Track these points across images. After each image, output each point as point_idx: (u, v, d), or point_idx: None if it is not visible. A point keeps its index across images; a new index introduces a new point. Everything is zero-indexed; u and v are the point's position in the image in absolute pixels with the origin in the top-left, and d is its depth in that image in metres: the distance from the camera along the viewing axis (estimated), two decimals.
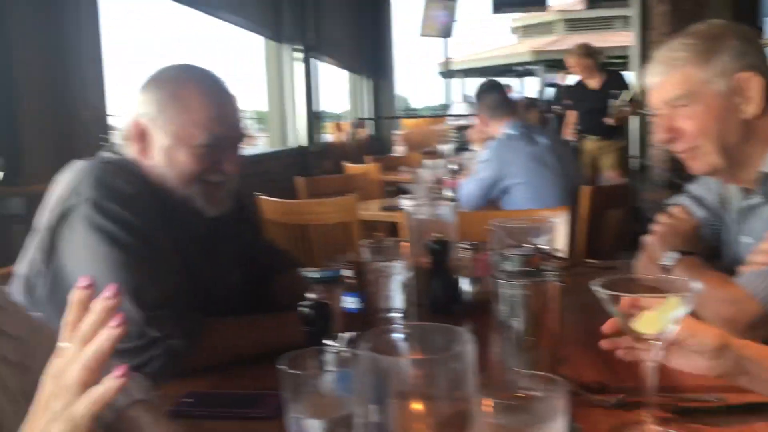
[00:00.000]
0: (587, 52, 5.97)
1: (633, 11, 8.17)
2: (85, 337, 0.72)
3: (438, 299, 1.62)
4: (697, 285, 0.95)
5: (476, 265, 1.64)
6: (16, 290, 1.39)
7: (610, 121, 5.83)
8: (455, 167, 4.50)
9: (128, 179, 1.39)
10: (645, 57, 7.48)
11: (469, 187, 3.29)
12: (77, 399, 0.70)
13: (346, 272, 1.12)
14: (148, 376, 1.15)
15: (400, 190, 5.38)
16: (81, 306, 0.74)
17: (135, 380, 1.08)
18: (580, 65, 6.01)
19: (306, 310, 1.14)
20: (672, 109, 1.45)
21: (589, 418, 1.03)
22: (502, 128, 3.30)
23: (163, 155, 1.42)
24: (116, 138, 1.52)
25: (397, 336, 0.77)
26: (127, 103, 1.49)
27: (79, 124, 3.00)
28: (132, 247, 1.32)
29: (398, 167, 6.24)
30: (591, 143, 6.11)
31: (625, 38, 10.54)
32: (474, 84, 22.11)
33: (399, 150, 10.98)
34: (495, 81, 3.76)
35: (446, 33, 12.55)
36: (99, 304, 0.73)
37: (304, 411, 0.82)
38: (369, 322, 1.15)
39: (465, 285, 1.64)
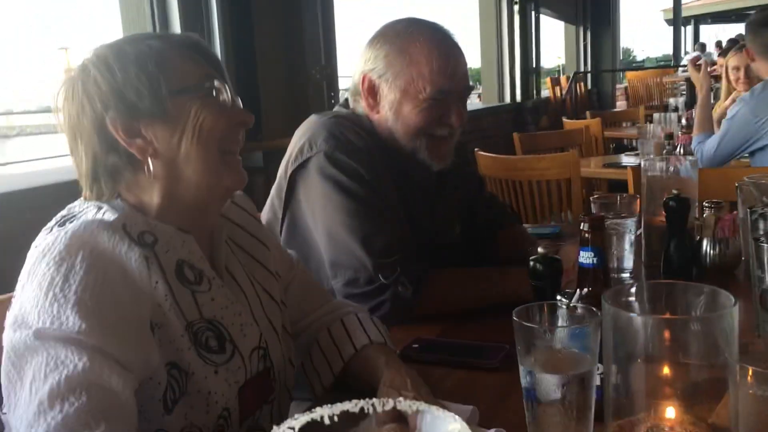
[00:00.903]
0: None
1: None
2: None
3: (673, 261, 1.50)
4: None
5: (720, 225, 1.49)
6: None
7: None
8: (687, 122, 4.14)
9: (358, 133, 1.43)
10: None
11: (710, 146, 2.94)
12: None
13: (584, 226, 1.06)
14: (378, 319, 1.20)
15: (621, 147, 5.08)
16: None
17: (371, 323, 1.14)
18: None
19: (535, 264, 1.11)
20: None
21: None
22: None
23: (391, 109, 1.44)
24: (348, 94, 1.57)
25: (645, 293, 0.72)
26: (356, 59, 1.53)
27: (311, 84, 3.20)
28: (361, 196, 1.37)
29: (620, 122, 5.89)
30: None
31: None
32: (708, 32, 20.09)
33: (620, 105, 10.37)
34: None
35: None
36: None
37: (537, 365, 0.80)
38: (605, 279, 1.09)
39: (706, 247, 1.50)
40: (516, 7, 6.83)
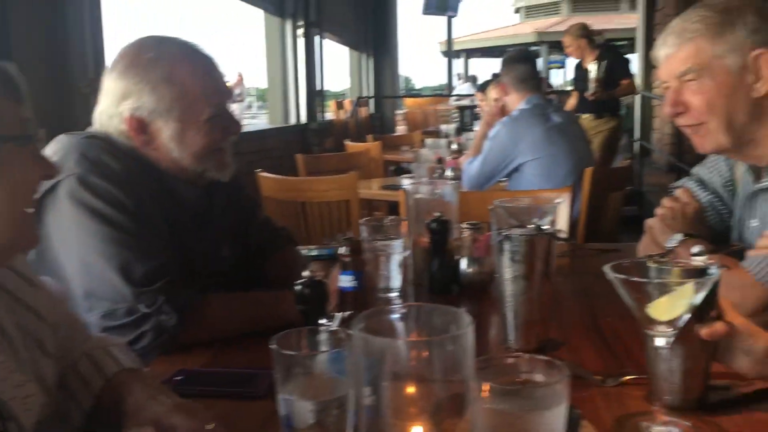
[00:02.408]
0: (580, 32, 5.93)
1: None
2: None
3: (436, 279, 1.59)
4: (714, 271, 0.91)
5: (476, 245, 1.61)
6: None
7: (588, 95, 5.84)
8: (457, 147, 4.47)
9: (114, 154, 1.35)
10: (649, 39, 7.42)
11: (474, 166, 3.19)
12: None
13: (343, 250, 1.08)
14: (139, 353, 1.12)
15: (401, 170, 5.35)
16: None
17: (125, 350, 1.06)
18: (574, 45, 5.96)
19: (301, 288, 1.11)
20: (680, 82, 1.41)
21: (590, 402, 1.01)
22: (521, 103, 3.18)
23: (173, 141, 1.39)
24: (97, 117, 1.46)
25: (393, 316, 0.74)
26: (105, 93, 1.41)
27: (79, 100, 2.96)
28: (119, 222, 1.29)
29: (400, 146, 6.20)
30: (583, 122, 6.10)
31: (631, 20, 10.45)
32: (477, 64, 21.98)
33: (400, 129, 10.93)
34: (528, 51, 3.59)
35: (450, 11, 12.42)
36: None
37: (295, 392, 0.79)
38: (366, 301, 1.12)
39: (464, 265, 1.61)
40: (300, 31, 6.93)
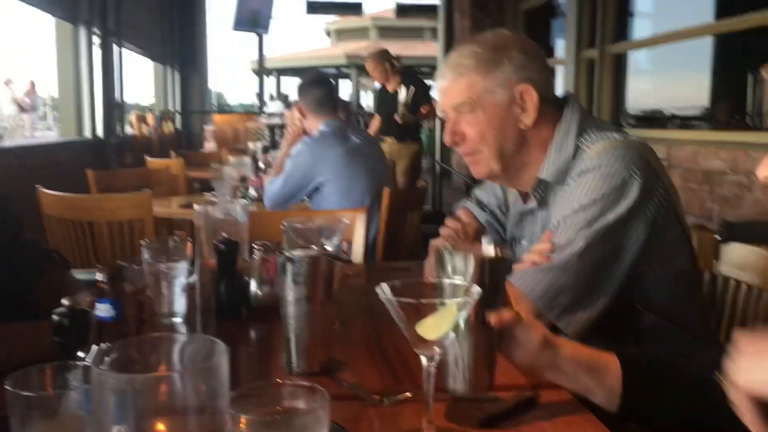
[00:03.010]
0: (381, 57, 6.18)
1: (439, 23, 8.58)
2: None
3: (224, 303, 1.53)
4: (477, 290, 0.95)
5: (266, 266, 1.57)
6: None
7: (397, 118, 6.11)
8: (262, 165, 4.41)
9: None
10: None
11: (276, 185, 3.16)
12: None
13: (100, 276, 1.00)
14: None
15: (207, 188, 5.18)
16: None
17: None
18: (376, 70, 6.19)
19: (59, 318, 1.00)
20: (457, 113, 1.49)
21: (365, 422, 1.01)
22: (321, 125, 3.20)
23: None
24: None
25: (145, 348, 0.68)
26: None
27: None
28: None
29: (208, 163, 6.01)
30: (386, 145, 6.34)
31: (434, 48, 11.05)
32: (289, 83, 22.08)
33: (209, 146, 10.63)
34: (325, 75, 3.61)
35: (261, 29, 12.35)
36: None
37: None
38: (133, 330, 1.04)
39: (255, 287, 1.57)
40: (96, 39, 6.51)
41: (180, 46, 10.71)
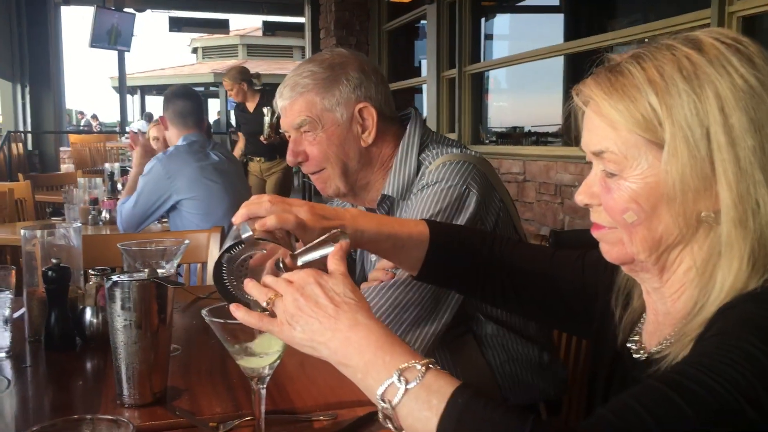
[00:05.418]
0: (239, 76, 6.08)
1: (306, 42, 8.61)
2: None
3: (55, 334, 1.43)
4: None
5: (102, 293, 1.48)
6: None
7: (262, 139, 6.05)
8: (119, 186, 4.19)
9: None
10: None
11: (128, 205, 3.00)
12: None
13: None
14: None
15: (58, 212, 4.85)
16: None
17: None
18: (236, 89, 6.09)
19: None
20: (299, 133, 1.48)
21: None
22: (180, 139, 3.08)
23: None
24: None
25: None
26: None
27: None
28: None
29: (62, 186, 5.64)
30: (255, 164, 6.25)
31: None
32: (154, 102, 21.30)
33: (66, 168, 10.03)
34: (191, 88, 3.46)
35: (122, 46, 11.87)
36: None
37: None
38: None
39: (89, 315, 1.47)
40: None
41: (31, 62, 10.04)
